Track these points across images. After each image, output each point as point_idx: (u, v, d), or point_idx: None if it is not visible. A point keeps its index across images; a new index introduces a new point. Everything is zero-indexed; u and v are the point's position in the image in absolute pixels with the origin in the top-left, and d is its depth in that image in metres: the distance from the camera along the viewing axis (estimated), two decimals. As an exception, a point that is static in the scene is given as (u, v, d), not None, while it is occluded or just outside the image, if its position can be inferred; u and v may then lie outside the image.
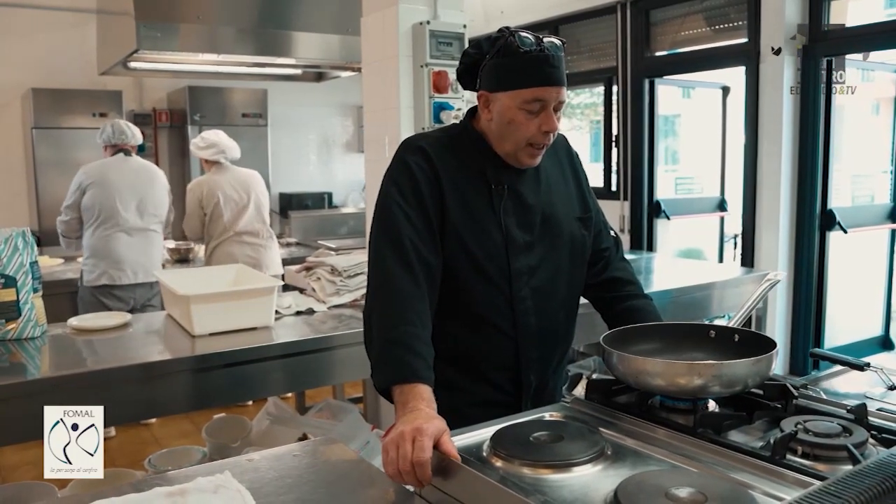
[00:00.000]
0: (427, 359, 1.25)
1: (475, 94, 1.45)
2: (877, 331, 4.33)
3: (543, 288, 1.45)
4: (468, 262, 1.40)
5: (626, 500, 0.92)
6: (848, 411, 1.16)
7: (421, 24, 2.81)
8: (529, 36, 1.35)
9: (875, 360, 1.68)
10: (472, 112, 1.48)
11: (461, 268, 1.40)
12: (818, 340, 4.06)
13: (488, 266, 1.40)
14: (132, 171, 3.69)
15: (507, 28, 1.38)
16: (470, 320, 1.43)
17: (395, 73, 2.82)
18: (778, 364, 4.15)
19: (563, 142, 1.59)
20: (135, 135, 3.75)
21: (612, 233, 1.65)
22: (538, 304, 1.44)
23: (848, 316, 4.28)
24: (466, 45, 2.19)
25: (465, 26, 2.89)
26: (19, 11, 5.32)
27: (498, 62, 1.36)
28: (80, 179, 3.60)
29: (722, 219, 5.11)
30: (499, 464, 1.09)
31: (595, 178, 5.38)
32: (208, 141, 3.99)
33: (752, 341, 1.31)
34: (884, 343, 4.31)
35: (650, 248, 4.98)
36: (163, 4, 3.87)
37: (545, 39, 1.35)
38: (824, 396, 1.31)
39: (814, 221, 3.97)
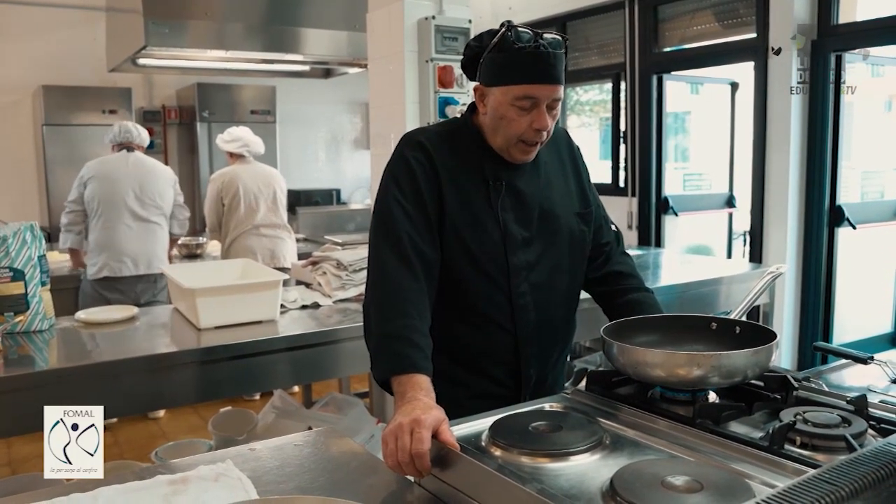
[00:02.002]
0: (425, 350, 1.25)
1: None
2: (886, 327, 4.30)
3: (542, 283, 1.45)
4: (466, 258, 1.40)
5: (622, 488, 0.92)
6: (848, 402, 1.16)
7: (426, 19, 2.81)
8: (528, 32, 1.34)
9: (884, 356, 1.67)
10: (474, 107, 1.48)
11: (459, 263, 1.40)
12: (826, 337, 4.03)
13: (486, 262, 1.41)
14: (133, 164, 3.77)
15: (509, 22, 1.37)
16: (469, 315, 1.44)
17: (401, 68, 2.83)
18: (786, 360, 4.09)
19: (564, 136, 1.58)
20: (140, 134, 3.83)
21: (612, 227, 1.65)
22: (537, 300, 1.44)
23: (857, 312, 4.25)
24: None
25: (470, 21, 2.90)
26: (30, 9, 5.37)
27: (493, 56, 1.36)
28: (82, 174, 3.69)
29: (730, 215, 5.09)
30: (497, 453, 1.10)
31: (604, 174, 5.37)
32: (233, 135, 4.12)
33: (752, 333, 1.31)
34: (893, 340, 4.28)
35: (658, 244, 4.96)
36: (171, 1, 3.90)
37: (545, 36, 1.34)
38: (826, 388, 1.30)
39: (822, 217, 3.94)
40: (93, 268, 3.63)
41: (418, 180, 1.38)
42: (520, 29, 1.35)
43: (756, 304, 3.19)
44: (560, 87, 1.36)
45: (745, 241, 5.06)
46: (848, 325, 4.15)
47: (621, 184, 5.20)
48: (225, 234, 4.06)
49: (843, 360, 1.67)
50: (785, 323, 4.00)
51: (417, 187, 1.38)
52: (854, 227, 3.92)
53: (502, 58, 1.34)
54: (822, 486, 0.78)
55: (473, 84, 1.44)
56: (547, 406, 1.30)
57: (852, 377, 1.64)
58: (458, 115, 1.57)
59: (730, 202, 5.03)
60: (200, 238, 4.47)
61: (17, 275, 2.22)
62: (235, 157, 4.12)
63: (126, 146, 3.78)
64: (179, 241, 4.44)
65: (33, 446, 3.44)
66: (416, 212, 1.37)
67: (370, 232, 1.42)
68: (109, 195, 3.64)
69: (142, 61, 4.47)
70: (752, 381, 1.26)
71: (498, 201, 1.42)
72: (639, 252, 4.05)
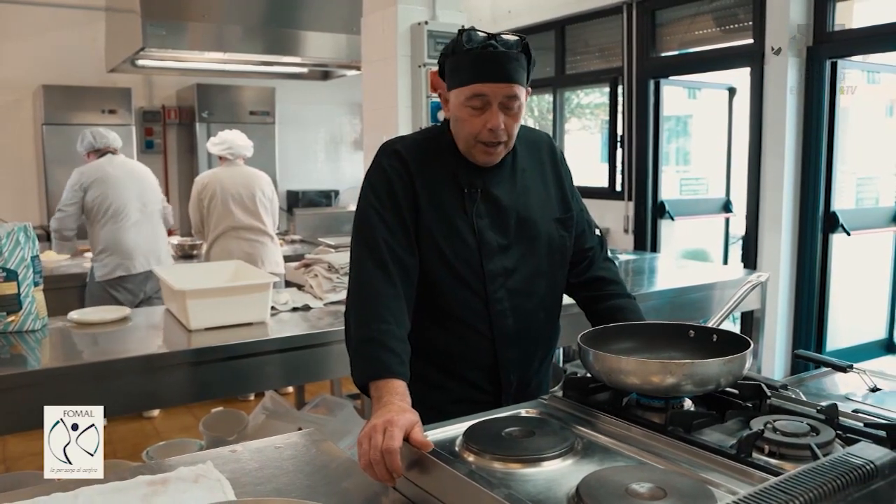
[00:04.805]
0: (401, 355, 1.27)
1: None
2: (880, 334, 4.31)
3: (520, 289, 1.46)
4: (442, 265, 1.42)
5: (586, 494, 0.93)
6: (818, 411, 1.17)
7: (419, 24, 2.83)
8: (481, 33, 1.37)
9: (878, 363, 1.68)
10: None
11: (436, 270, 1.42)
12: (820, 343, 4.04)
13: (462, 268, 1.42)
14: (124, 167, 3.86)
15: (463, 26, 1.40)
16: (447, 321, 1.45)
17: (394, 72, 2.85)
18: (778, 366, 4.08)
19: (546, 141, 1.60)
20: (116, 138, 3.89)
21: (596, 232, 1.66)
22: (515, 306, 1.45)
23: (851, 319, 4.26)
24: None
25: (463, 27, 2.91)
26: (30, 9, 5.40)
27: (449, 60, 1.40)
28: (79, 179, 3.71)
29: (727, 220, 5.10)
30: (470, 458, 1.11)
31: (601, 178, 5.38)
32: (220, 138, 4.13)
33: (730, 341, 1.32)
34: (888, 346, 4.29)
35: (654, 248, 4.97)
36: (169, 3, 3.92)
37: (501, 36, 1.36)
38: (802, 397, 1.32)
39: (816, 223, 3.95)
40: (103, 269, 3.68)
41: (394, 187, 1.40)
42: (474, 31, 1.37)
43: (749, 310, 3.22)
44: (513, 85, 1.36)
45: (742, 246, 5.08)
46: (841, 332, 4.15)
47: (618, 188, 5.21)
48: (206, 235, 4.09)
49: (826, 368, 1.68)
50: (778, 329, 4.01)
51: (394, 195, 1.40)
52: (848, 234, 3.93)
53: (454, 60, 1.38)
54: (778, 495, 0.79)
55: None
56: (523, 412, 1.31)
57: (834, 385, 1.66)
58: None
59: (726, 207, 5.04)
60: (196, 239, 4.49)
61: (11, 275, 2.24)
62: (223, 159, 4.14)
63: (107, 151, 3.83)
64: (176, 242, 4.47)
65: (28, 444, 3.47)
66: (393, 218, 1.39)
67: (351, 239, 1.44)
68: (115, 198, 3.71)
69: (140, 62, 4.50)
70: (728, 389, 1.27)
71: (473, 208, 1.43)
72: (633, 256, 4.05)
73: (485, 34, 1.37)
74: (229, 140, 4.08)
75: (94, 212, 3.69)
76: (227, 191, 4.00)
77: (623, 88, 5.03)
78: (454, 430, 1.22)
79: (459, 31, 1.38)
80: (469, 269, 1.42)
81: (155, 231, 3.88)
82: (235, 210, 4.00)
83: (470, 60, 1.35)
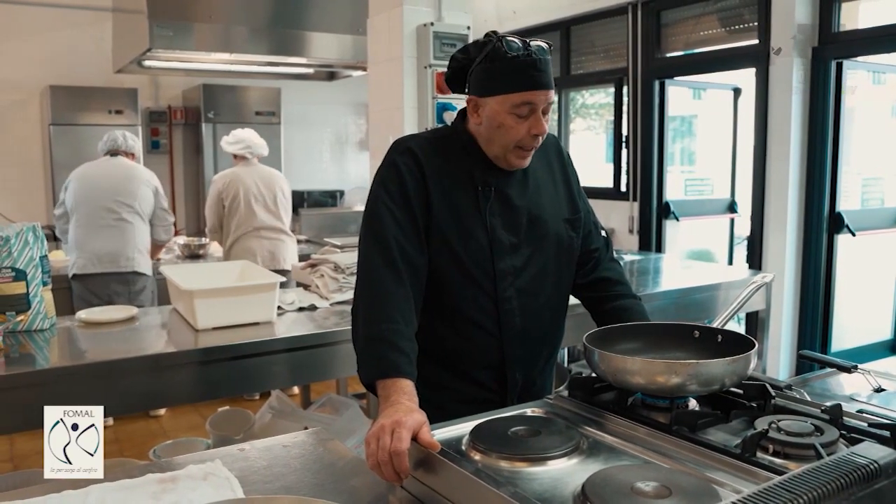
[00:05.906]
0: (409, 354, 1.28)
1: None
2: (885, 335, 4.30)
3: (529, 288, 1.47)
4: (453, 263, 1.42)
5: (592, 493, 0.94)
6: (822, 411, 1.17)
7: (425, 25, 2.85)
8: (517, 40, 1.37)
9: (883, 364, 1.68)
10: (464, 113, 1.50)
11: (446, 268, 1.42)
12: (825, 344, 4.04)
13: (473, 266, 1.43)
14: (110, 167, 3.80)
15: (495, 32, 1.40)
16: (455, 319, 1.46)
17: (400, 73, 2.86)
18: (784, 367, 4.07)
19: (553, 142, 1.60)
20: (127, 141, 3.88)
21: (602, 233, 1.66)
22: (523, 305, 1.46)
23: (856, 319, 4.25)
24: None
25: (468, 28, 2.93)
26: (37, 9, 5.43)
27: (486, 67, 1.38)
28: (67, 179, 3.79)
29: (732, 220, 5.09)
30: (477, 457, 1.12)
31: (605, 178, 5.39)
32: (236, 137, 4.13)
33: (734, 342, 1.32)
34: (892, 347, 4.28)
35: (659, 249, 4.97)
36: (175, 4, 3.94)
37: (532, 43, 1.37)
38: (807, 397, 1.32)
39: (822, 224, 3.95)
40: (69, 267, 3.69)
41: (407, 185, 1.40)
42: (509, 38, 1.38)
43: (754, 310, 3.22)
44: (552, 91, 1.39)
45: (747, 246, 5.06)
46: (846, 333, 4.15)
47: (623, 188, 5.21)
48: (226, 235, 4.08)
49: (831, 369, 1.68)
50: (783, 330, 4.00)
51: (406, 192, 1.40)
52: (854, 234, 3.93)
53: (496, 67, 1.37)
54: (782, 494, 0.80)
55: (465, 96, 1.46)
56: (528, 411, 1.32)
57: (838, 386, 1.66)
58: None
59: (731, 207, 5.04)
60: (203, 239, 4.50)
61: (19, 275, 2.26)
62: (239, 158, 4.13)
63: (111, 152, 3.84)
64: (182, 242, 4.48)
65: (35, 443, 3.48)
66: (405, 216, 1.39)
67: (360, 236, 1.45)
68: (83, 195, 3.68)
69: (147, 63, 4.52)
70: (732, 389, 1.28)
71: (486, 206, 1.44)
72: (638, 257, 4.05)
73: (518, 41, 1.37)
74: (246, 139, 4.08)
75: (70, 211, 3.73)
76: (249, 191, 4.01)
77: (628, 89, 5.03)
78: (460, 429, 1.23)
79: (493, 36, 1.38)
80: (479, 268, 1.43)
81: (126, 235, 3.68)
82: (258, 210, 4.01)
83: (516, 68, 1.35)
